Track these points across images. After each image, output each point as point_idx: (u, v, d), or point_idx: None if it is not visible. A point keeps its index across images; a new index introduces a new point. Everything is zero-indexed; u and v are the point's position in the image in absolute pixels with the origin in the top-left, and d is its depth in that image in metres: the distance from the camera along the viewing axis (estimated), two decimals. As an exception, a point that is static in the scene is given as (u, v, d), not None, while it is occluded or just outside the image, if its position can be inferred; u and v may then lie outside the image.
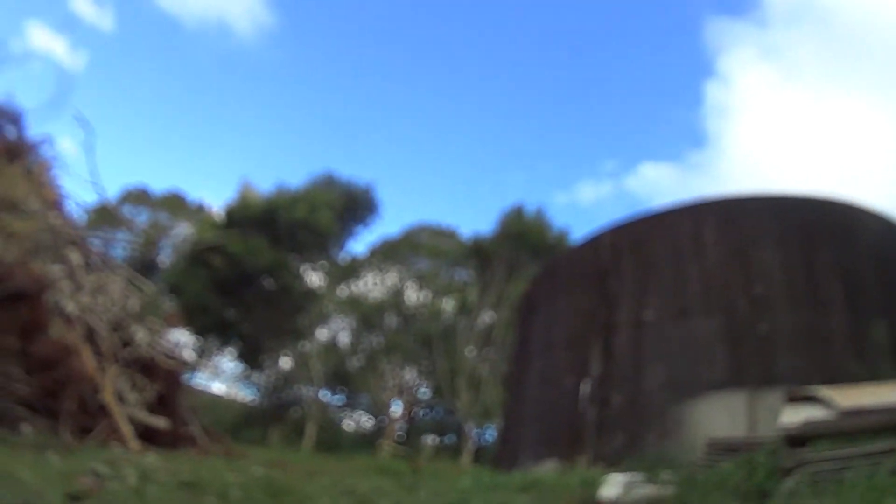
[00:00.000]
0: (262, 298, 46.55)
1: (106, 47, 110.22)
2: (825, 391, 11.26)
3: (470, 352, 51.67)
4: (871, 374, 13.59)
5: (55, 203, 19.69)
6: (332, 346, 56.53)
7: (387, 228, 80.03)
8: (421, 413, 60.37)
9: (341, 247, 55.39)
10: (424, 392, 58.53)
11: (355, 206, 53.21)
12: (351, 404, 60.97)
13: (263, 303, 46.54)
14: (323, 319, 55.08)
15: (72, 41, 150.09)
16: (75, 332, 16.20)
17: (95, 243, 22.87)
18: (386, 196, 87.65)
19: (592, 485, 10.29)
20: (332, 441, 49.25)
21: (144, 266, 47.78)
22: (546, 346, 22.35)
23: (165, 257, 54.86)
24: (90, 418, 15.55)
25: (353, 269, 57.94)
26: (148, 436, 16.49)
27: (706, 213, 20.04)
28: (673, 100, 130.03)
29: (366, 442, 51.02)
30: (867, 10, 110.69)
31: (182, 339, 37.03)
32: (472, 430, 50.18)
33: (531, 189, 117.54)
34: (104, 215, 41.93)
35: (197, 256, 44.22)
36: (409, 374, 56.85)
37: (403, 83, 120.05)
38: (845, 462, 7.22)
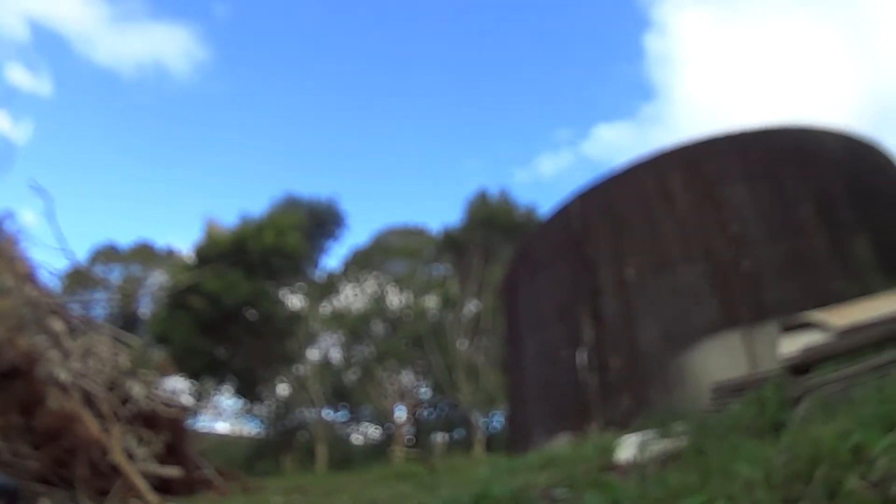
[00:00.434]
0: (248, 331, 46.42)
1: (48, 112, 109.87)
2: (819, 315, 11.29)
3: (462, 344, 51.77)
4: (861, 291, 13.62)
5: (28, 276, 19.55)
6: (325, 364, 56.56)
7: (356, 238, 79.98)
8: (425, 413, 60.47)
9: (315, 265, 55.37)
10: (425, 392, 58.69)
11: (321, 222, 53.22)
12: (355, 418, 61.08)
13: (250, 335, 46.43)
14: (311, 340, 55.07)
15: (13, 113, 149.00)
16: (73, 399, 16.13)
17: (75, 308, 22.75)
18: (350, 206, 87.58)
19: (607, 450, 10.29)
20: (344, 457, 49.32)
21: (126, 321, 47.63)
22: (536, 323, 22.36)
23: (146, 308, 54.66)
24: (104, 480, 15.51)
25: (331, 285, 57.97)
26: (164, 487, 16.47)
27: (669, 162, 20.05)
28: (615, 57, 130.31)
29: (377, 452, 51.06)
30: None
31: (178, 386, 36.86)
32: (478, 420, 50.30)
33: (491, 172, 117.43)
34: (78, 278, 41.85)
35: (176, 302, 44.01)
36: (407, 378, 56.98)
37: (344, 91, 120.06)
38: (852, 380, 7.23)
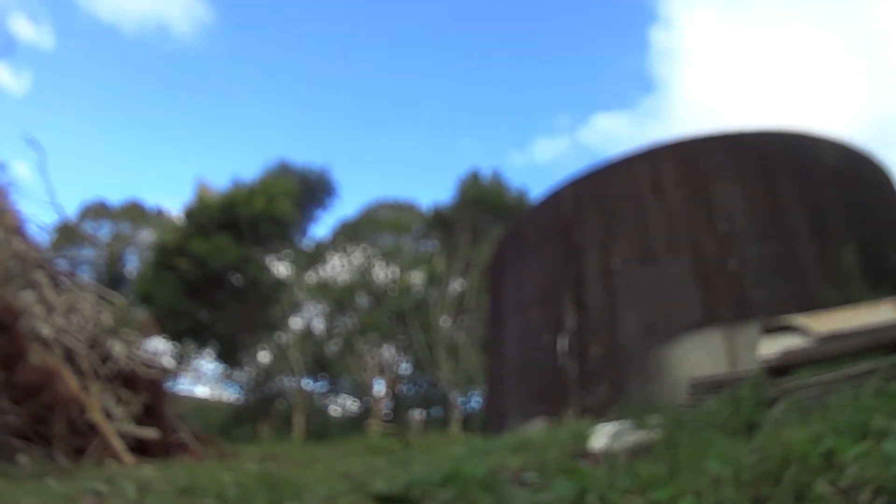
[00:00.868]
0: (233, 296, 46.40)
1: (48, 65, 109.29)
2: (800, 319, 11.34)
3: (445, 322, 51.89)
4: (844, 299, 13.69)
5: (17, 229, 19.46)
6: (307, 333, 56.61)
7: (346, 209, 79.81)
8: (404, 389, 60.58)
9: (304, 233, 55.26)
10: (405, 367, 58.81)
11: (312, 191, 53.03)
12: (334, 389, 61.18)
13: (234, 300, 46.40)
14: (295, 308, 55.11)
15: (13, 64, 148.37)
16: (54, 356, 16.07)
17: (61, 263, 22.71)
18: (342, 177, 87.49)
19: (581, 438, 10.33)
20: (321, 428, 49.39)
21: (112, 279, 47.65)
22: (519, 306, 22.41)
23: (132, 267, 54.58)
24: (82, 439, 15.47)
25: (318, 255, 57.92)
26: (140, 448, 16.42)
27: (663, 156, 20.08)
28: (618, 48, 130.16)
29: (354, 425, 51.13)
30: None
31: (159, 347, 36.92)
32: (457, 398, 50.45)
33: (487, 153, 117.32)
34: (66, 234, 41.77)
35: (163, 262, 43.96)
36: (388, 352, 57.06)
37: (346, 61, 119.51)
38: (828, 387, 7.29)
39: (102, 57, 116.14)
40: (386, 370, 56.49)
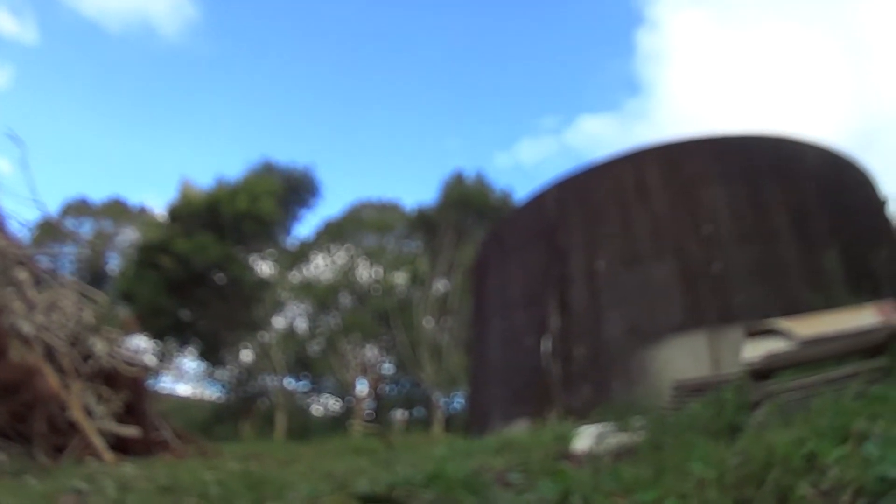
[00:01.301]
0: (215, 294, 46.33)
1: (31, 61, 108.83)
2: (784, 323, 11.39)
3: (428, 322, 51.93)
4: (827, 303, 13.75)
5: (-2, 224, 19.39)
6: (290, 333, 56.57)
7: (330, 209, 79.79)
8: (387, 389, 60.59)
9: (287, 232, 55.27)
10: (388, 367, 58.82)
11: (296, 190, 53.01)
12: (317, 389, 61.17)
13: (217, 298, 46.33)
14: (278, 307, 55.05)
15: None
16: (35, 353, 16.01)
17: (43, 260, 22.61)
18: (326, 177, 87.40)
19: (565, 439, 10.36)
20: (303, 427, 49.38)
21: (94, 276, 47.58)
22: (503, 306, 22.44)
23: (114, 265, 54.47)
24: (62, 437, 15.43)
25: (302, 254, 57.91)
26: (121, 446, 16.39)
27: (648, 159, 20.14)
28: (605, 50, 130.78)
29: (336, 424, 51.10)
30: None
31: (141, 345, 36.82)
32: (439, 399, 50.44)
33: (472, 154, 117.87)
34: (48, 230, 41.58)
35: (145, 260, 43.88)
36: (371, 352, 57.05)
37: (331, 61, 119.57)
38: (811, 390, 7.32)
39: (86, 53, 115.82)
40: (368, 370, 56.46)
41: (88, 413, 16.34)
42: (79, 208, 58.89)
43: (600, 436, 9.14)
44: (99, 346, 18.04)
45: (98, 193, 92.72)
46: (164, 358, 48.07)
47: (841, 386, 6.81)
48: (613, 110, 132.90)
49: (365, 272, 58.56)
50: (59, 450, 15.06)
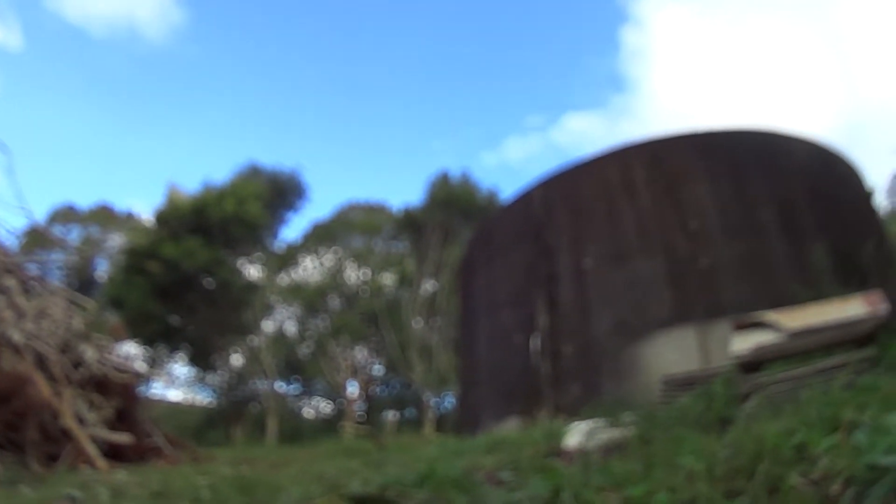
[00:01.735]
0: (204, 299, 46.29)
1: (16, 66, 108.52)
2: (772, 315, 11.41)
3: (417, 323, 52.06)
4: (815, 296, 13.75)
5: (-16, 232, 19.36)
6: (280, 336, 56.68)
7: (318, 211, 79.73)
8: (378, 390, 60.74)
9: (275, 236, 55.30)
10: (378, 369, 59.00)
11: (283, 193, 53.07)
12: (307, 392, 61.34)
13: (206, 303, 46.30)
14: (267, 311, 55.09)
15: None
16: (26, 361, 15.98)
17: (31, 268, 22.56)
18: (313, 179, 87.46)
19: (556, 436, 10.34)
20: (295, 431, 49.47)
21: (83, 283, 47.53)
22: (490, 306, 22.43)
23: (102, 271, 54.41)
24: (55, 445, 15.42)
25: (290, 257, 58.05)
26: (114, 453, 16.38)
27: (634, 155, 20.14)
28: (590, 48, 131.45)
29: (327, 427, 51.17)
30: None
31: (131, 352, 36.80)
32: (430, 400, 50.53)
33: (458, 153, 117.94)
34: (35, 238, 41.49)
35: (133, 266, 43.81)
36: (360, 354, 57.22)
37: (316, 64, 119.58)
38: (799, 381, 7.34)
39: (71, 59, 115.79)
40: (359, 372, 56.58)
41: (80, 421, 16.32)
42: (66, 215, 58.92)
43: (591, 432, 9.13)
44: (89, 353, 18.03)
45: (85, 200, 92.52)
46: (154, 364, 48.03)
47: (829, 376, 6.83)
48: (599, 107, 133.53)
49: (353, 274, 58.75)
50: (52, 458, 15.05)
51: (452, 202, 51.30)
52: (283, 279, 58.06)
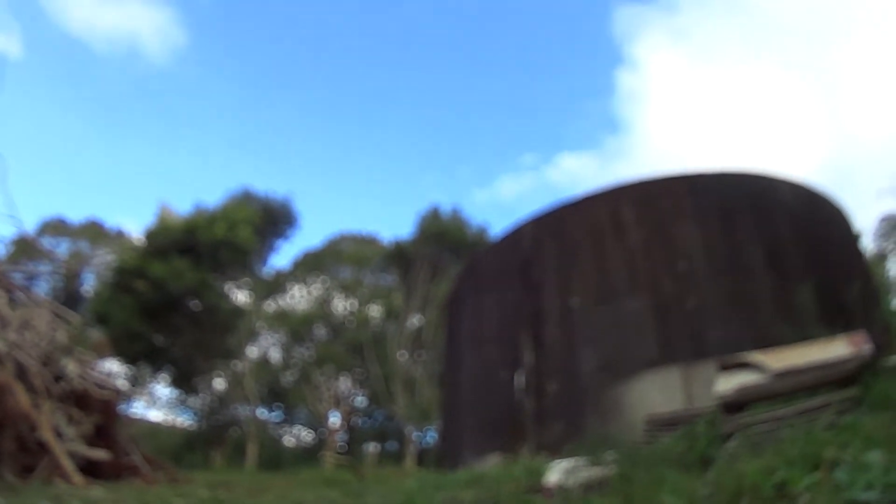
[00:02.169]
0: (190, 321, 46.14)
1: (15, 75, 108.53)
2: (756, 356, 11.41)
3: (402, 356, 51.96)
4: (800, 336, 13.77)
5: (-27, 239, 19.33)
6: (263, 362, 56.51)
7: (309, 240, 79.70)
8: (360, 421, 60.50)
9: (264, 262, 55.21)
10: (361, 400, 58.84)
11: (274, 219, 53.04)
12: (289, 419, 61.13)
13: (191, 325, 46.15)
14: (252, 337, 54.92)
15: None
16: (6, 371, 15.91)
17: (18, 278, 22.52)
18: (305, 207, 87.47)
19: (537, 473, 10.34)
20: (275, 458, 49.26)
21: (69, 297, 47.38)
22: (476, 341, 22.40)
23: (89, 286, 54.30)
24: (31, 457, 15.34)
25: (278, 284, 57.95)
26: (90, 469, 16.30)
27: (624, 196, 20.19)
28: (586, 90, 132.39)
29: (308, 456, 50.98)
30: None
31: (114, 369, 36.69)
32: (412, 433, 50.36)
33: (451, 189, 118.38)
34: (24, 248, 41.43)
35: (121, 283, 43.68)
36: (344, 384, 57.06)
37: (314, 94, 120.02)
38: (782, 421, 7.34)
39: (71, 71, 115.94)
40: (341, 402, 56.41)
41: (58, 434, 16.25)
42: (56, 227, 58.86)
43: (572, 469, 9.11)
44: (71, 367, 17.96)
45: (76, 214, 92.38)
46: (136, 383, 47.91)
47: (812, 417, 6.84)
48: (593, 148, 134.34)
49: (340, 304, 58.66)
50: (27, 470, 14.97)
51: (442, 237, 51.40)
52: (270, 306, 58.03)
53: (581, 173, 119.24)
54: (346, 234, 62.50)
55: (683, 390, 16.37)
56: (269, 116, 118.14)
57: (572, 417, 17.94)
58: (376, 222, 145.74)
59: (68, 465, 15.47)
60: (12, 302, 18.76)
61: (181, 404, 55.89)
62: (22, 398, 15.67)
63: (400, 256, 54.09)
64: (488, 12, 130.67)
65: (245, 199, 52.00)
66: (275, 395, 55.75)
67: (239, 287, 52.57)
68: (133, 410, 43.55)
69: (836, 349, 10.90)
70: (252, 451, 48.96)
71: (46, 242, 55.52)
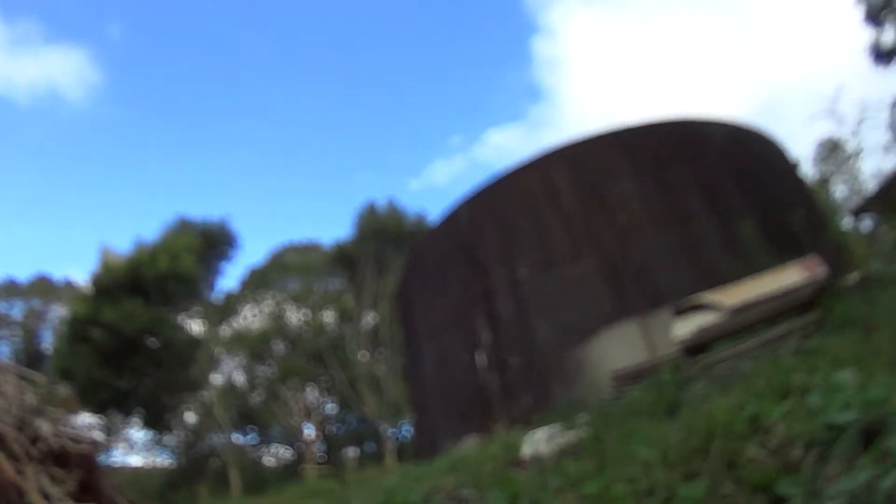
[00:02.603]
0: (149, 360, 45.64)
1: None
2: (710, 296, 11.40)
3: (363, 356, 51.84)
4: (750, 271, 13.80)
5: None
6: (229, 387, 56.20)
7: (253, 258, 79.19)
8: (334, 429, 60.34)
9: (212, 287, 54.71)
10: (331, 407, 58.65)
11: (214, 243, 52.58)
12: (265, 440, 60.84)
13: (152, 364, 45.67)
14: (214, 364, 54.54)
15: None
16: (-13, 442, 15.61)
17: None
18: (244, 226, 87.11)
19: (513, 448, 10.28)
20: (258, 480, 48.99)
21: (30, 357, 46.96)
22: (432, 329, 22.32)
23: (48, 343, 53.86)
24: (23, 524, 15.06)
25: (229, 307, 57.59)
26: (81, 526, 16.04)
27: (554, 161, 20.14)
28: (503, 62, 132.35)
29: (290, 472, 50.77)
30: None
31: (85, 421, 36.26)
32: (387, 431, 50.27)
33: (385, 183, 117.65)
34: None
35: (76, 335, 43.15)
36: (312, 394, 56.88)
37: (236, 112, 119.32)
38: (746, 355, 7.30)
39: None
40: (312, 413, 56.18)
41: (46, 496, 15.97)
42: (7, 289, 58.31)
43: (547, 438, 9.04)
44: (45, 427, 17.64)
45: (24, 273, 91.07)
46: (110, 431, 47.46)
47: (776, 346, 6.80)
48: (519, 120, 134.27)
49: (294, 316, 58.39)
50: (20, 537, 14.70)
51: (382, 232, 51.26)
52: (226, 330, 57.62)
53: (510, 147, 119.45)
54: (289, 245, 62.29)
55: (643, 341, 16.38)
56: (194, 141, 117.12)
57: (538, 387, 17.92)
58: (318, 228, 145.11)
59: (60, 525, 15.22)
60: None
61: (157, 445, 55.42)
62: (6, 466, 15.39)
63: (344, 258, 53.87)
64: None
65: (183, 228, 51.53)
66: (246, 417, 55.45)
67: (191, 317, 52.09)
68: (112, 459, 43.20)
69: (789, 277, 10.92)
70: (234, 477, 48.60)
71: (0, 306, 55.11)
